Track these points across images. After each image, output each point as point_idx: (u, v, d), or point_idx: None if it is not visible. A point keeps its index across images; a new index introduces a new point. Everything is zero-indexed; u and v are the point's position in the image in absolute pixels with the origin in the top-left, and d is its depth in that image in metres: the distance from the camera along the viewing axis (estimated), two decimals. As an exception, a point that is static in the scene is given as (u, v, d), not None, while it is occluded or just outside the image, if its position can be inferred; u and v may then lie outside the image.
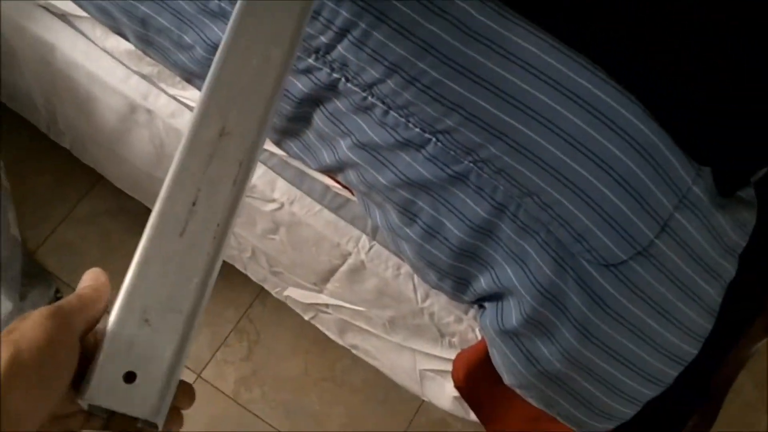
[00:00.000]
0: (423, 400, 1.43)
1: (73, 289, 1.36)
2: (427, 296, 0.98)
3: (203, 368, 1.37)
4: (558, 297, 0.75)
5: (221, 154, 0.55)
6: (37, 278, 1.31)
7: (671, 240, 0.73)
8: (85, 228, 1.40)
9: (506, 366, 0.83)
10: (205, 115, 0.55)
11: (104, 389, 0.47)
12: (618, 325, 0.76)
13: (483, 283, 0.80)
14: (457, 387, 1.00)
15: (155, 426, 0.48)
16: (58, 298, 1.32)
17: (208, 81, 0.56)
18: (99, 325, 0.50)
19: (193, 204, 0.53)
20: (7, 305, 1.25)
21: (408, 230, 0.79)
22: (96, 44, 0.98)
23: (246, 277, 1.27)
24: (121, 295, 0.50)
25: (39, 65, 1.06)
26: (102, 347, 0.48)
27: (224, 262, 1.35)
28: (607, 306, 0.75)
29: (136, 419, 0.48)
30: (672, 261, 0.74)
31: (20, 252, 1.25)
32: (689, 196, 0.73)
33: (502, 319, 0.80)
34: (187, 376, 1.34)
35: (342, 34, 0.73)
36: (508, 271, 0.77)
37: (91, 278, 0.51)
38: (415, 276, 0.97)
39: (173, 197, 0.53)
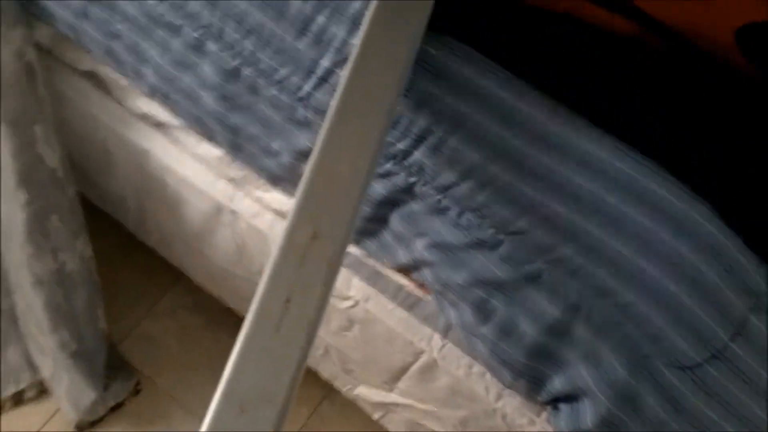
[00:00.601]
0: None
1: (153, 382, 1.39)
2: (499, 396, 0.99)
3: (274, 465, 1.38)
4: (633, 399, 0.76)
5: (312, 256, 0.59)
6: (119, 370, 1.36)
7: (746, 343, 0.74)
8: (165, 322, 1.45)
9: None
10: (298, 221, 0.60)
11: None
12: (694, 430, 0.76)
13: (557, 383, 0.81)
14: (531, 490, 1.00)
15: None
16: (138, 391, 1.37)
17: (301, 188, 0.61)
18: None
19: (287, 302, 0.57)
20: (91, 395, 1.30)
21: (482, 329, 0.82)
22: (188, 151, 1.06)
23: (315, 374, 1.30)
24: (221, 387, 0.54)
25: (134, 170, 1.14)
26: None
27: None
28: (683, 409, 0.75)
29: None
30: (748, 365, 0.74)
31: (105, 345, 1.31)
32: (763, 299, 0.74)
33: (577, 421, 0.80)
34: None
35: (419, 140, 0.78)
36: (583, 371, 0.78)
37: None
38: (488, 375, 0.98)
39: (269, 296, 0.57)
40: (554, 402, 0.84)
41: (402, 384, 1.13)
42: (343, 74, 0.68)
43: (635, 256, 0.74)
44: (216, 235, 1.14)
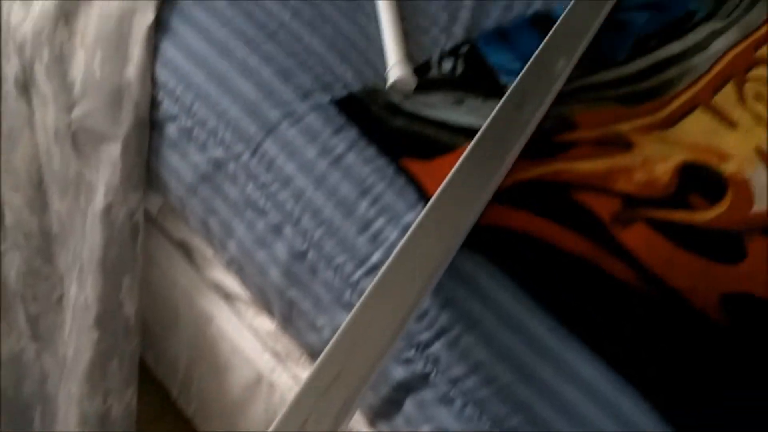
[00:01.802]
0: None
1: None
2: None
3: None
4: None
5: (334, 389, 0.72)
6: None
7: None
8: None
9: None
10: (328, 359, 0.74)
11: None
12: None
13: None
14: None
15: None
16: None
17: (336, 335, 0.75)
18: None
19: (305, 422, 0.70)
20: None
21: None
22: (245, 322, 1.22)
23: None
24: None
25: (195, 333, 1.30)
26: None
27: None
28: None
29: None
30: None
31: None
32: None
33: None
34: None
35: (439, 334, 0.92)
36: None
37: None
38: None
39: (291, 413, 0.70)
40: None
41: None
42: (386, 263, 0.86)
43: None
44: (251, 406, 1.25)
